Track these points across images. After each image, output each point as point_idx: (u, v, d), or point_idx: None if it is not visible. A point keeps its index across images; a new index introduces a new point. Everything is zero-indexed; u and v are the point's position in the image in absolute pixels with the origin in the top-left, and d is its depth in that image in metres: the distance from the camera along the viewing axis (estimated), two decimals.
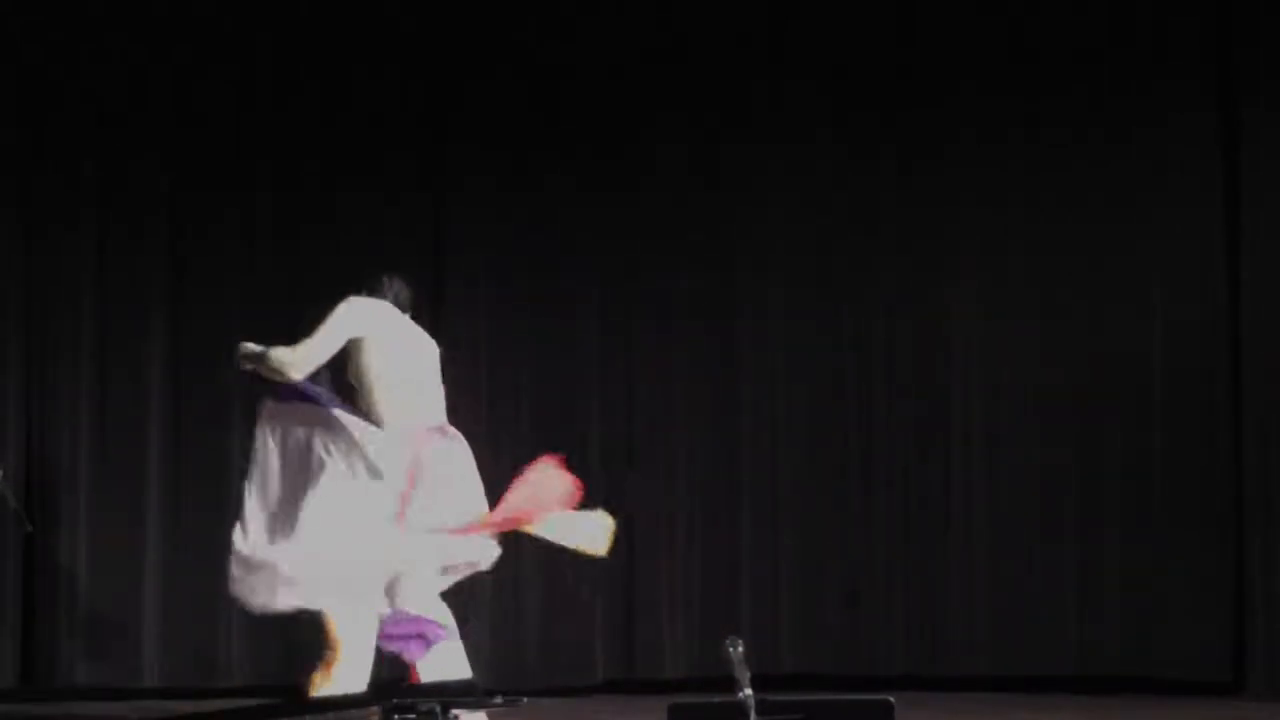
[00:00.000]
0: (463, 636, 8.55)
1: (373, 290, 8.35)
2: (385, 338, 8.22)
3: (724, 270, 10.75)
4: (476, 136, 10.65)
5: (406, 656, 8.12)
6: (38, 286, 10.34)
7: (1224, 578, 10.31)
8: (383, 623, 8.07)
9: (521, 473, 8.35)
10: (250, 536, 8.07)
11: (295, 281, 10.52)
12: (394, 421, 8.12)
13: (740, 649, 5.55)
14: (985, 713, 9.86)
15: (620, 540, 10.61)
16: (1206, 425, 10.41)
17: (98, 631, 10.22)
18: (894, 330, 10.73)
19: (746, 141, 10.73)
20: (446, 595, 8.40)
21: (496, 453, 10.58)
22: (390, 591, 8.14)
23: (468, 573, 8.40)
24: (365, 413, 8.14)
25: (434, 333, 10.54)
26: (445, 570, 8.32)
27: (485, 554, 8.35)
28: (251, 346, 8.17)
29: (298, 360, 8.08)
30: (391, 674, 10.28)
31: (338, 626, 8.01)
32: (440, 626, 8.14)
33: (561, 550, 8.63)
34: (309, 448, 8.08)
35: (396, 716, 5.97)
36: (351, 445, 8.04)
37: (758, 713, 5.52)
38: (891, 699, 5.98)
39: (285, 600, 8.03)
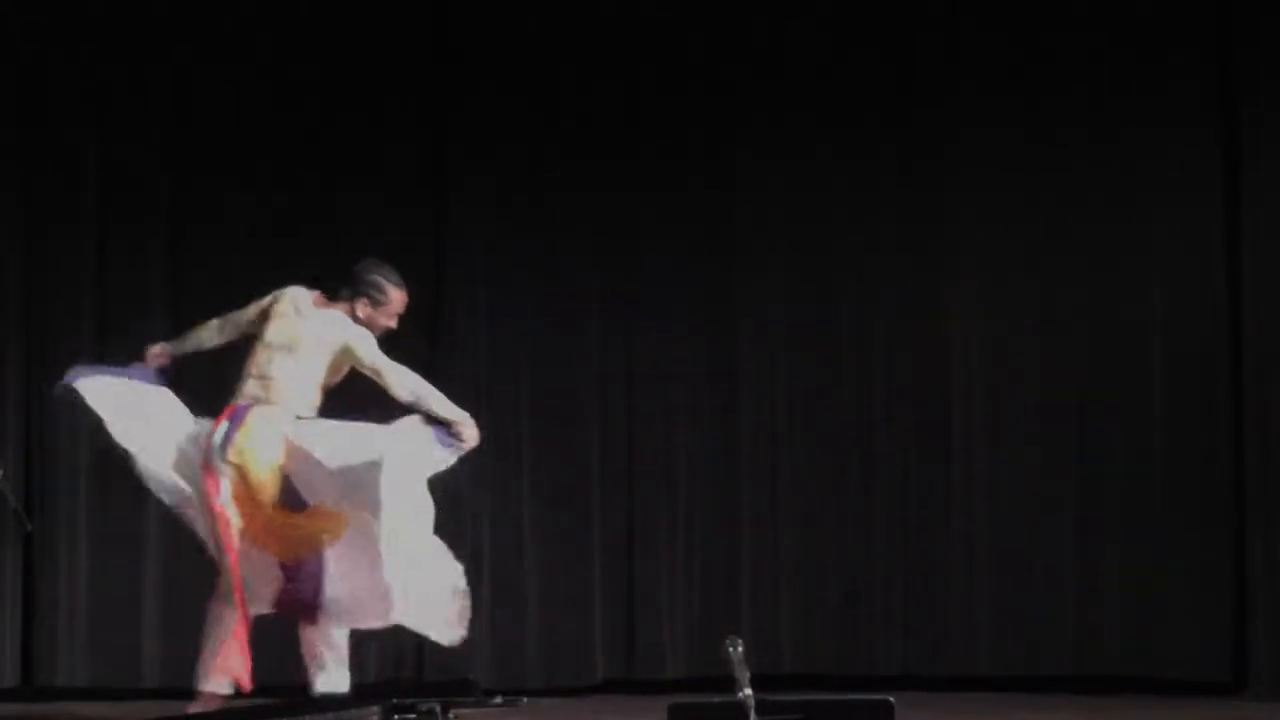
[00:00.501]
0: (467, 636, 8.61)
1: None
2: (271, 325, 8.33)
3: (724, 270, 10.75)
4: (477, 136, 10.65)
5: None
6: (38, 286, 10.34)
7: (1224, 578, 10.31)
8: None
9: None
10: None
11: (295, 281, 10.50)
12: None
13: (740, 649, 5.56)
14: (985, 713, 9.86)
15: (621, 540, 10.66)
16: (1206, 425, 10.40)
17: (98, 631, 10.22)
18: (894, 330, 10.72)
19: (747, 141, 10.73)
20: None
21: (496, 453, 10.60)
22: None
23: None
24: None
25: (433, 333, 10.60)
26: None
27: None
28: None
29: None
30: (392, 674, 10.33)
31: None
32: None
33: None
34: None
35: (396, 716, 5.98)
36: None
37: (758, 713, 5.53)
38: (891, 699, 5.99)
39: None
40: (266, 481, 8.26)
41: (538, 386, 10.64)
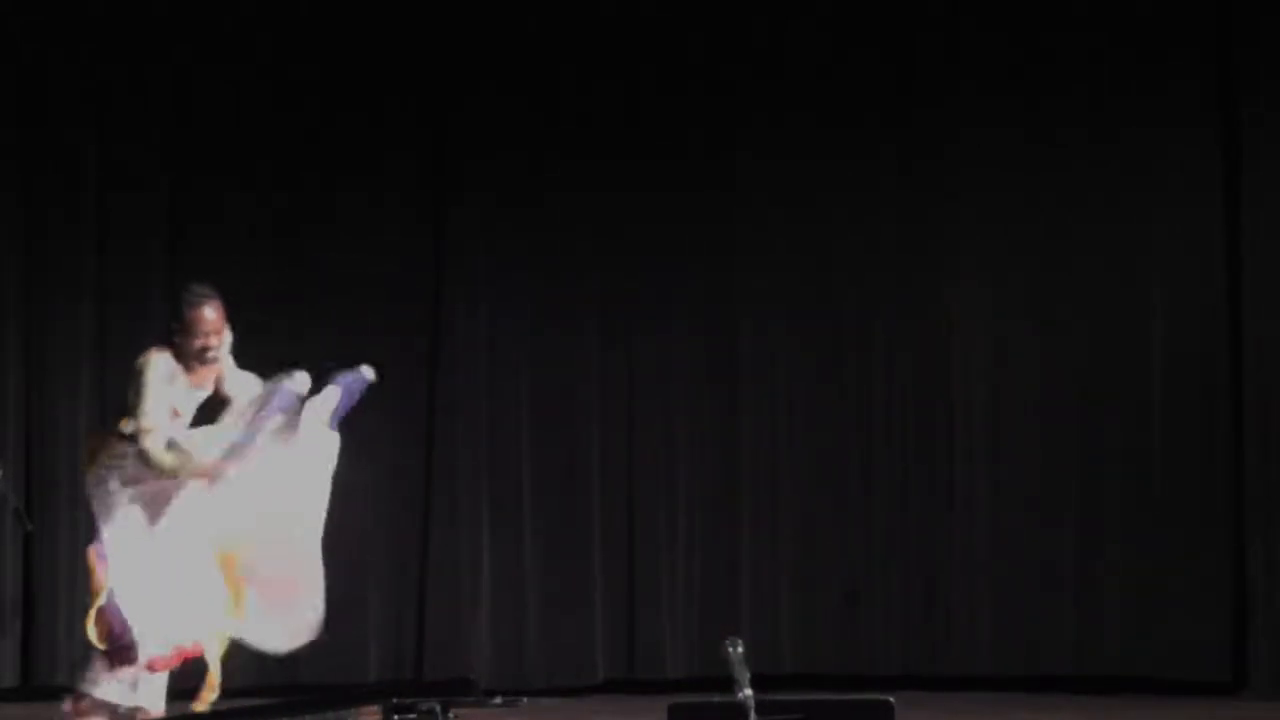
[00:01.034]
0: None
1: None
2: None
3: (724, 270, 10.75)
4: (477, 136, 10.65)
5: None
6: (37, 286, 10.34)
7: (1224, 578, 10.31)
8: None
9: None
10: None
11: (295, 281, 10.53)
12: None
13: (740, 649, 5.56)
14: (985, 713, 9.86)
15: (621, 540, 10.67)
16: (1206, 425, 10.40)
17: None
18: (894, 330, 10.72)
19: (747, 141, 10.73)
20: None
21: (496, 453, 10.61)
22: None
23: None
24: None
25: (433, 333, 10.60)
26: None
27: None
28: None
29: (151, 434, 7.88)
30: (392, 674, 10.34)
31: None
32: None
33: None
34: None
35: (396, 716, 5.98)
36: None
37: (758, 713, 5.52)
38: (891, 699, 5.98)
39: None
40: None
41: (538, 387, 10.65)
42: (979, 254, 10.71)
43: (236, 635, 8.20)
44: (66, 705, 8.12)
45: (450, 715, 6.06)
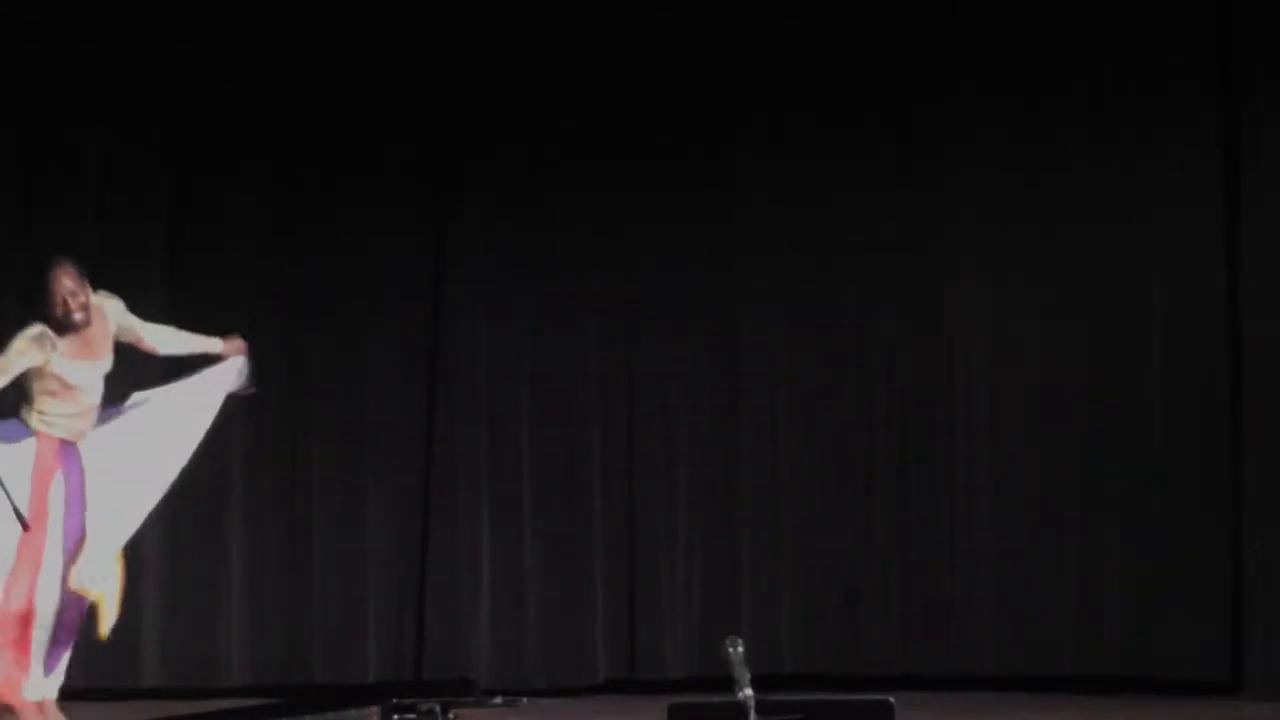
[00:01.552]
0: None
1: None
2: None
3: (724, 271, 10.75)
4: (477, 136, 10.65)
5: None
6: (37, 287, 10.32)
7: (1224, 578, 10.31)
8: None
9: None
10: None
11: (295, 281, 10.53)
12: None
13: (740, 649, 5.56)
14: (985, 713, 9.86)
15: (621, 541, 10.67)
16: (1206, 425, 10.41)
17: None
18: (894, 330, 10.72)
19: (747, 141, 10.73)
20: None
21: (496, 453, 10.61)
22: None
23: None
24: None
25: (433, 333, 10.60)
26: None
27: None
28: None
29: None
30: (392, 675, 10.34)
31: None
32: None
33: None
34: None
35: (396, 716, 5.98)
36: None
37: (758, 713, 5.53)
38: (891, 699, 5.99)
39: None
40: None
41: (538, 386, 10.64)
42: (979, 254, 10.71)
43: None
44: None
45: (450, 715, 6.07)
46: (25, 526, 7.93)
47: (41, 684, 7.85)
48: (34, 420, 7.95)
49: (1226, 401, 10.38)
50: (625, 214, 10.68)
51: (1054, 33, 10.61)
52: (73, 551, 7.85)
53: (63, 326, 8.02)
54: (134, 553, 10.12)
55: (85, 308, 8.07)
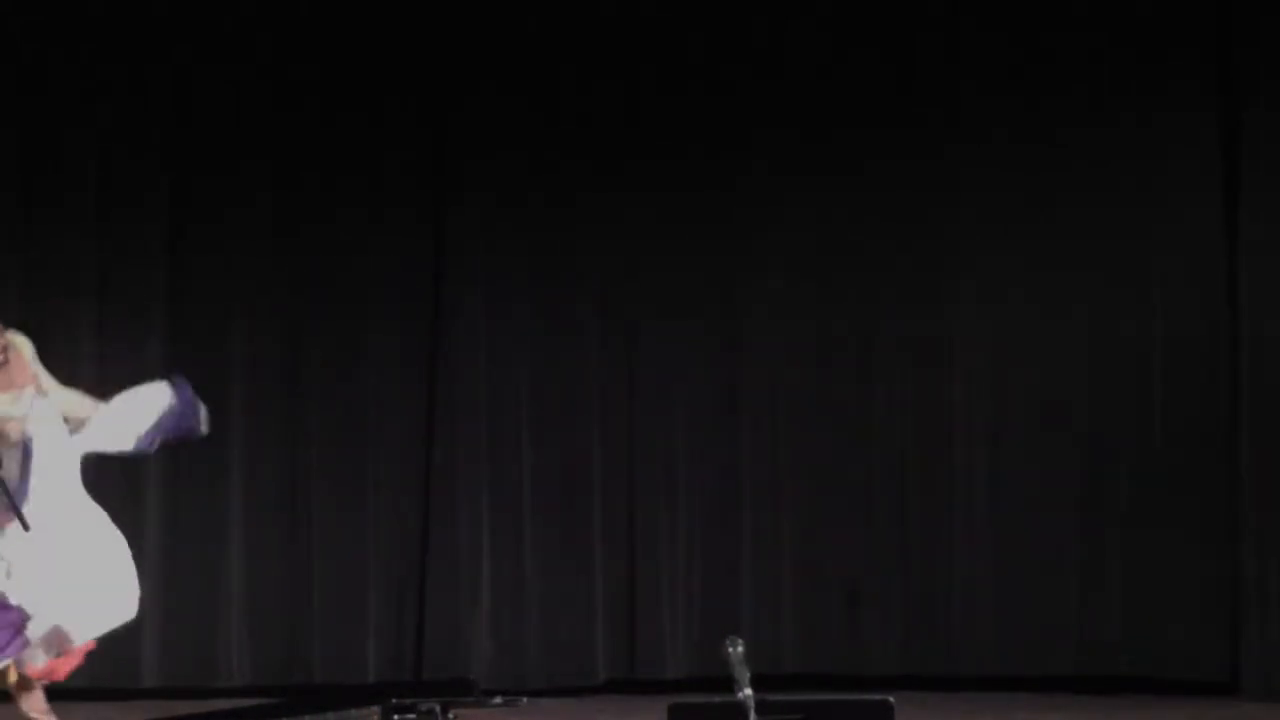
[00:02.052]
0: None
1: None
2: None
3: (724, 270, 10.75)
4: (477, 136, 10.65)
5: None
6: (37, 287, 10.34)
7: (1223, 578, 10.31)
8: None
9: None
10: None
11: (295, 281, 10.53)
12: None
13: (740, 649, 5.56)
14: (986, 713, 9.86)
15: (621, 540, 10.67)
16: (1206, 425, 10.41)
17: None
18: (894, 331, 10.72)
19: (747, 141, 10.73)
20: None
21: (497, 453, 10.61)
22: None
23: None
24: None
25: (433, 333, 10.60)
26: None
27: None
28: None
29: None
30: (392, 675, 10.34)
31: None
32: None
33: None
34: None
35: (396, 716, 5.98)
36: None
37: (758, 713, 5.52)
38: (891, 699, 5.98)
39: None
40: None
41: (538, 386, 10.64)
42: (979, 254, 10.70)
43: None
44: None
45: (450, 715, 6.07)
46: (25, 527, 7.95)
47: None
48: None
49: (1226, 401, 10.38)
50: (625, 214, 10.68)
51: (1054, 33, 10.61)
52: None
53: None
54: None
55: (4, 349, 8.38)
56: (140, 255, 10.38)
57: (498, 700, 6.52)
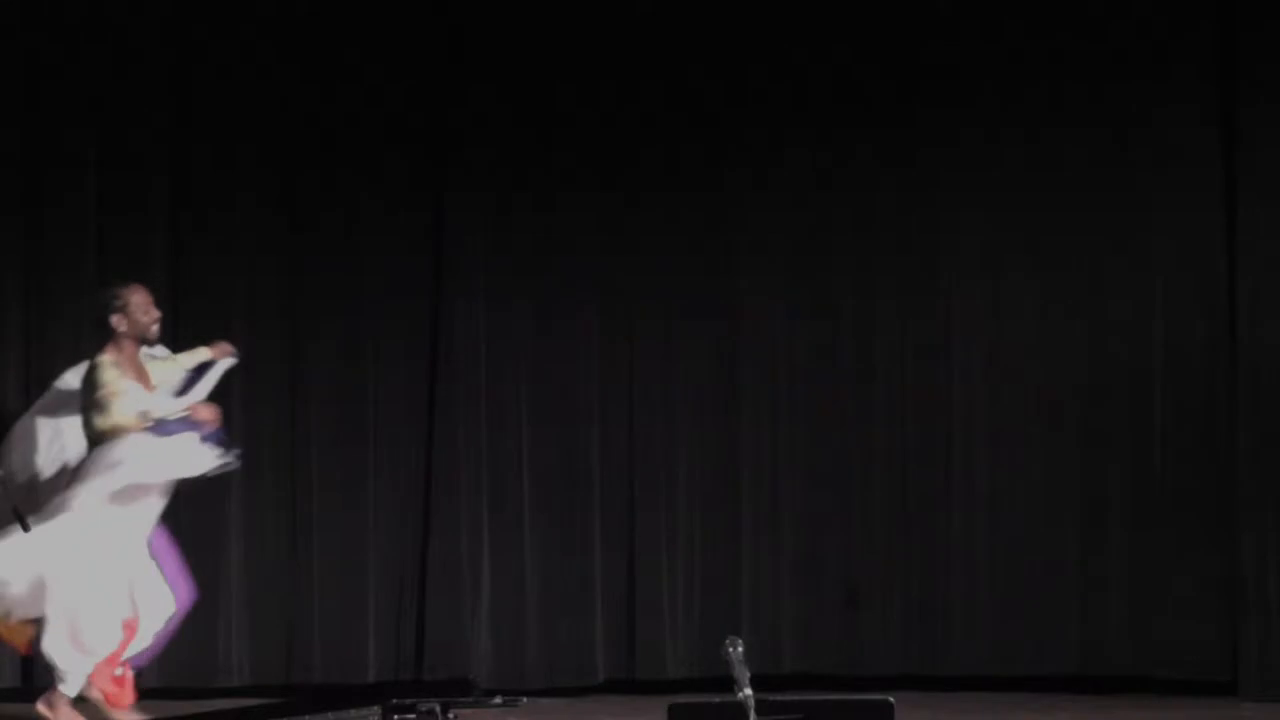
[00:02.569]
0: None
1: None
2: None
3: (724, 271, 10.75)
4: (477, 137, 10.65)
5: None
6: (37, 287, 10.34)
7: (1223, 578, 10.31)
8: None
9: None
10: None
11: (295, 281, 10.52)
12: None
13: (740, 649, 5.56)
14: (985, 713, 9.86)
15: (621, 540, 10.66)
16: (1206, 425, 10.41)
17: None
18: (894, 330, 10.72)
19: (747, 141, 10.73)
20: None
21: (496, 453, 10.61)
22: None
23: None
24: None
25: (433, 332, 10.60)
26: None
27: None
28: None
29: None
30: (392, 674, 10.33)
31: None
32: None
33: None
34: None
35: (396, 717, 5.98)
36: None
37: (758, 713, 5.53)
38: (891, 699, 5.99)
39: None
40: None
41: (538, 386, 10.64)
42: (979, 254, 10.71)
43: None
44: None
45: (450, 715, 6.07)
46: (25, 528, 7.95)
47: None
48: None
49: (1226, 401, 10.38)
50: (625, 212, 10.68)
51: (1054, 33, 10.60)
52: None
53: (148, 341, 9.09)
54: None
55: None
56: (140, 255, 10.36)
57: (497, 700, 6.52)
